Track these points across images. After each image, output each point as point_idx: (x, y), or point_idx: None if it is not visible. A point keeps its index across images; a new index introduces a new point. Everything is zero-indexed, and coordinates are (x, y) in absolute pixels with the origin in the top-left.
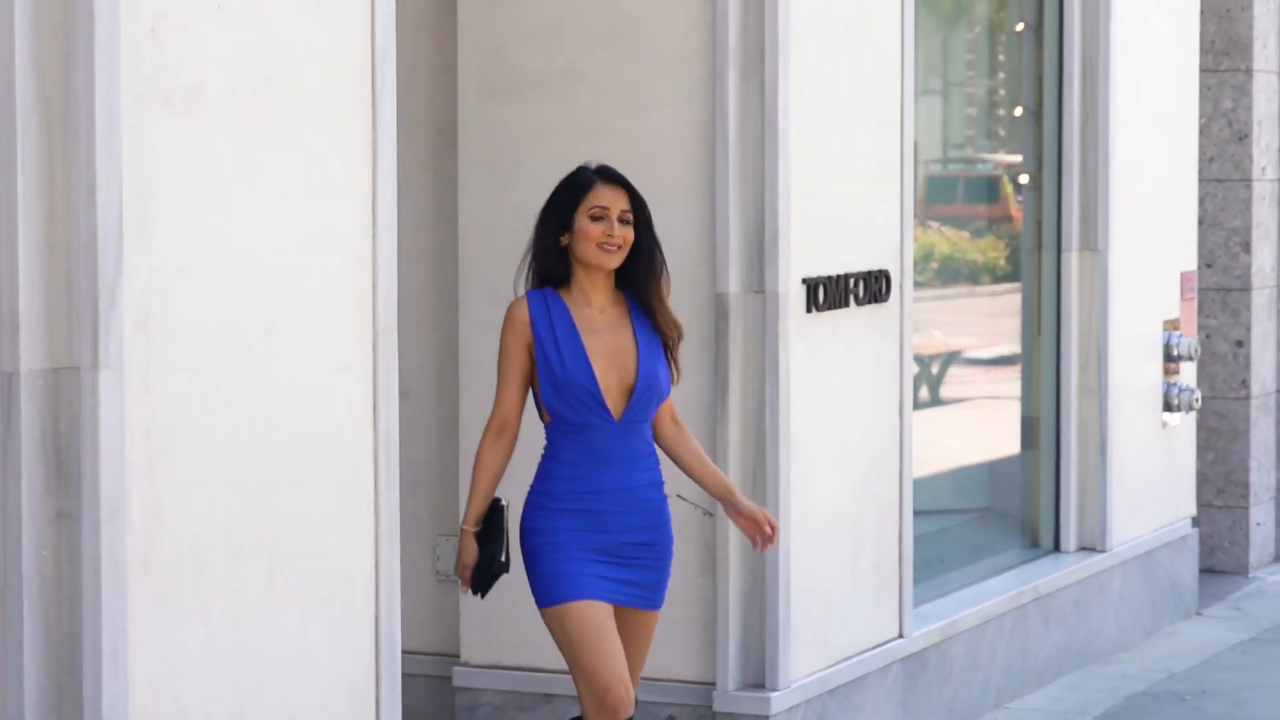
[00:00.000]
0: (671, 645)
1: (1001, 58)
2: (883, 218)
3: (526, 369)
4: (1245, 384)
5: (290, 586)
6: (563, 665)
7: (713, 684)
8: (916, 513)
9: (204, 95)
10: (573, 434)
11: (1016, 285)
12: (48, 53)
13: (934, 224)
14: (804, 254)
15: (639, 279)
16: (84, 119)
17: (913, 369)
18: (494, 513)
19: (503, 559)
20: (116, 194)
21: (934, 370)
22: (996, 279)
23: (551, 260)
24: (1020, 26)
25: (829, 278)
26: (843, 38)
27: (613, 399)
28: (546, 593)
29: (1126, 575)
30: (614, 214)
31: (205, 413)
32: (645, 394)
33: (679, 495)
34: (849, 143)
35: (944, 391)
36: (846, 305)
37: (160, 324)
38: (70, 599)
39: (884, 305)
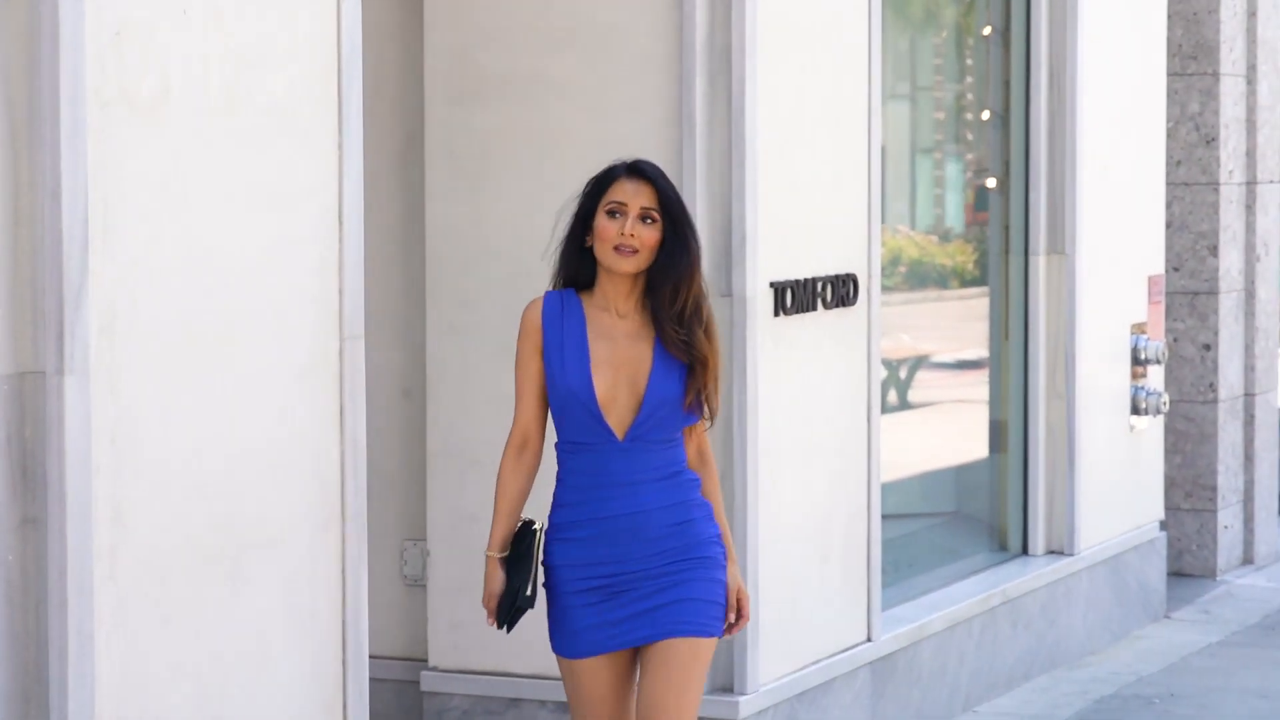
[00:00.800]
0: None
1: (969, 62)
2: (850, 221)
3: (543, 377)
4: (1213, 387)
5: (256, 591)
6: (532, 670)
7: None
8: (885, 516)
9: (169, 99)
10: (575, 453)
11: (984, 289)
12: (12, 57)
13: (902, 228)
14: (771, 257)
15: (658, 282)
16: (48, 123)
17: (881, 373)
18: (524, 537)
19: (528, 592)
20: (81, 198)
21: (902, 374)
22: (964, 283)
23: (574, 262)
24: (988, 30)
25: (797, 281)
26: (810, 42)
27: (618, 415)
28: (551, 638)
29: (1094, 579)
30: (632, 210)
31: (170, 417)
32: (655, 414)
33: None
34: (816, 146)
35: (912, 395)
36: (814, 309)
37: (126, 328)
38: (36, 604)
39: (852, 309)
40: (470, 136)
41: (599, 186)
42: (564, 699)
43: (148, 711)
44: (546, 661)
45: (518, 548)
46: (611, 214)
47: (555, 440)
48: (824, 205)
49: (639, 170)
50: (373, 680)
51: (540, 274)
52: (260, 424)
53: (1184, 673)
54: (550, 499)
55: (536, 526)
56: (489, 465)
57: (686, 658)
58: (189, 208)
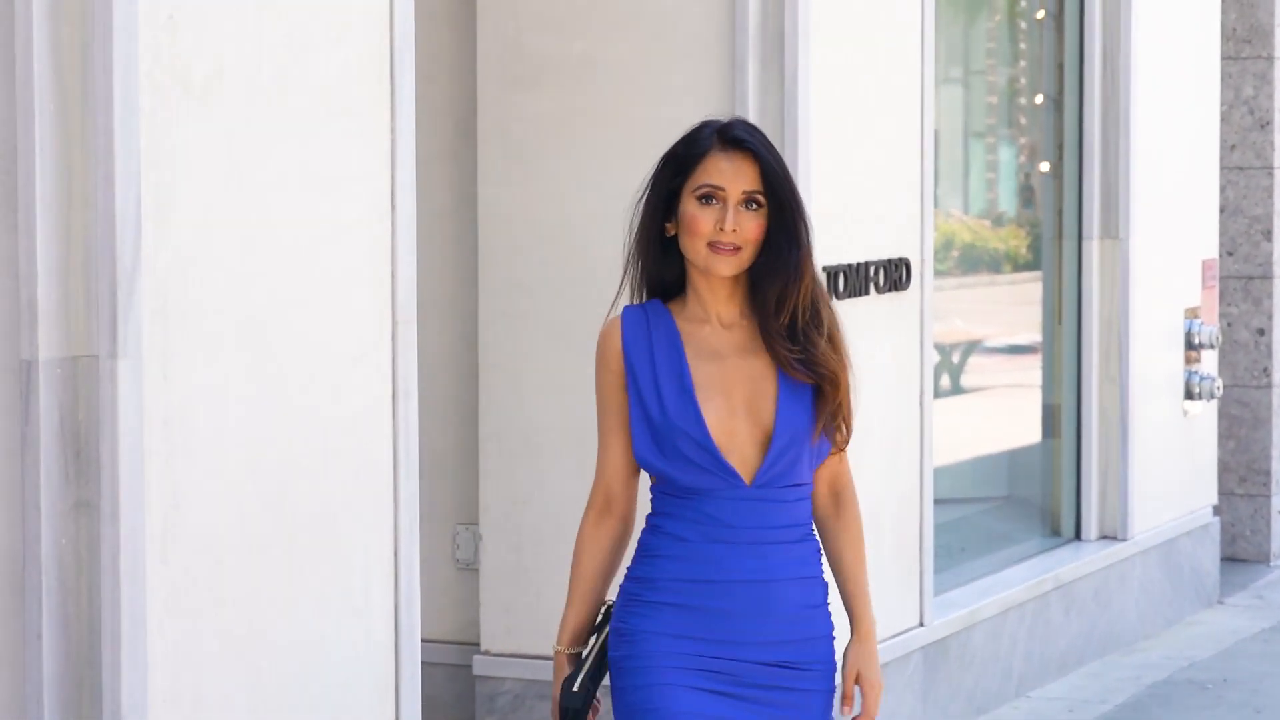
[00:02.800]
0: None
1: (1022, 46)
2: (903, 206)
3: (629, 414)
4: (1267, 372)
5: (308, 576)
6: None
7: None
8: (937, 501)
9: (222, 84)
10: (682, 499)
11: (1037, 273)
12: (65, 41)
13: (955, 212)
14: (824, 242)
15: (760, 285)
16: (102, 107)
17: (933, 357)
18: (600, 628)
19: (574, 688)
20: (135, 182)
21: (954, 359)
22: (1017, 267)
23: (655, 260)
24: (1041, 14)
25: (849, 266)
26: (863, 26)
27: (741, 454)
28: None
29: (1147, 564)
30: (732, 197)
31: (223, 402)
32: (788, 450)
33: None
34: (869, 131)
35: (964, 380)
36: (867, 293)
37: (179, 313)
38: (89, 588)
39: (904, 293)
40: (522, 121)
41: (684, 162)
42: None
43: (201, 695)
44: None
45: (588, 642)
46: (705, 199)
47: (653, 484)
48: (877, 189)
49: (737, 140)
50: (425, 664)
51: (593, 257)
52: (313, 408)
53: (1237, 658)
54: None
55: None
56: (541, 450)
57: None
58: (241, 192)
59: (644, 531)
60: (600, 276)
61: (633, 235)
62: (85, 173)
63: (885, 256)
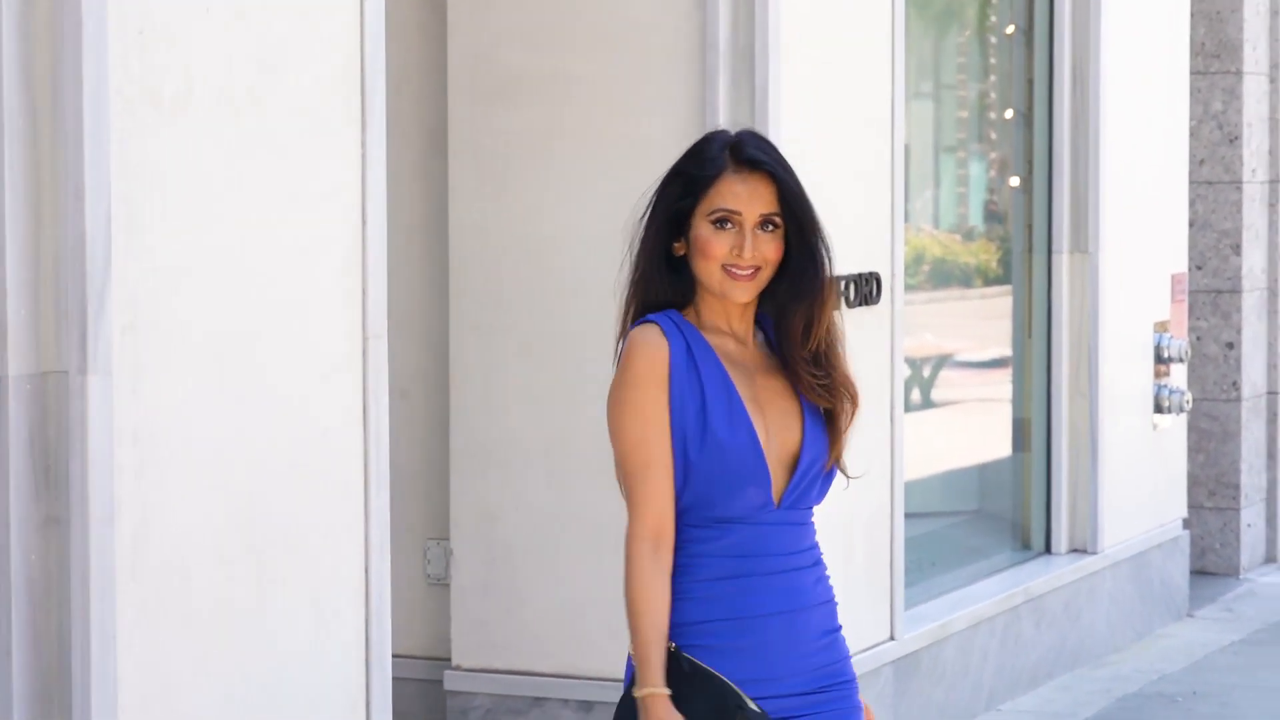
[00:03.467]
0: None
1: (992, 61)
2: (873, 220)
3: (670, 437)
4: (1236, 386)
5: (279, 591)
6: (555, 669)
7: None
8: (908, 515)
9: (192, 98)
10: (715, 532)
11: (1007, 288)
12: (35, 55)
13: (925, 226)
14: None
15: (785, 311)
16: (72, 122)
17: (904, 371)
18: (676, 664)
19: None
20: (105, 197)
21: (925, 373)
22: (988, 281)
23: (661, 280)
24: (1011, 29)
25: None
26: (834, 40)
27: (775, 475)
28: None
29: (1117, 577)
30: (748, 221)
31: (194, 417)
32: (809, 471)
33: None
34: (840, 145)
35: (935, 394)
36: (837, 308)
37: (149, 328)
38: (59, 604)
39: (875, 307)
40: (493, 135)
41: (696, 183)
42: (588, 698)
43: (171, 711)
44: (569, 661)
45: (674, 676)
46: (719, 224)
47: (683, 519)
48: (847, 204)
49: (752, 160)
50: (396, 679)
51: (564, 271)
52: (283, 423)
53: (1207, 671)
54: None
55: (673, 648)
56: (512, 464)
57: None
58: (211, 207)
59: (674, 578)
60: (571, 290)
61: (635, 254)
62: (55, 188)
63: (856, 271)
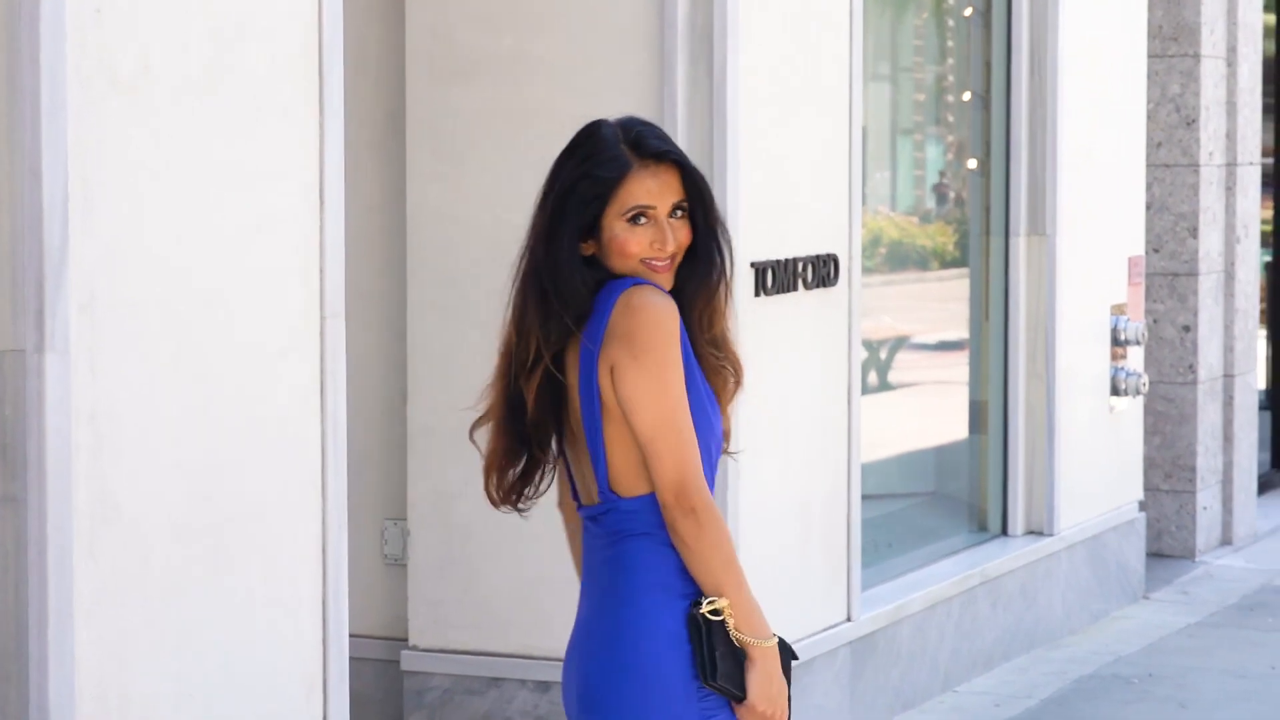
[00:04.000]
0: None
1: (950, 43)
2: (831, 202)
3: None
4: (1192, 369)
5: (236, 571)
6: (512, 649)
7: None
8: (865, 497)
9: (149, 77)
10: None
11: (965, 270)
12: None
13: (882, 209)
14: (752, 238)
15: (688, 295)
16: (28, 101)
17: (861, 353)
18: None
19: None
20: (61, 176)
21: (882, 355)
22: (945, 264)
23: (581, 278)
24: (969, 11)
25: (777, 261)
26: (792, 21)
27: None
28: None
29: (1074, 559)
30: (662, 213)
31: (151, 396)
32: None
33: None
34: (797, 126)
35: (892, 376)
36: (795, 289)
37: (106, 307)
38: (15, 583)
39: (832, 289)
40: (452, 116)
41: (606, 185)
42: (545, 678)
43: (128, 690)
44: (526, 640)
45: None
46: (635, 219)
47: (650, 493)
48: (805, 186)
49: (659, 153)
50: (353, 659)
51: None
52: (241, 402)
53: (1162, 653)
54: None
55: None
56: (469, 445)
57: None
58: (170, 186)
59: (665, 546)
60: None
61: (542, 260)
62: (10, 166)
63: (813, 253)
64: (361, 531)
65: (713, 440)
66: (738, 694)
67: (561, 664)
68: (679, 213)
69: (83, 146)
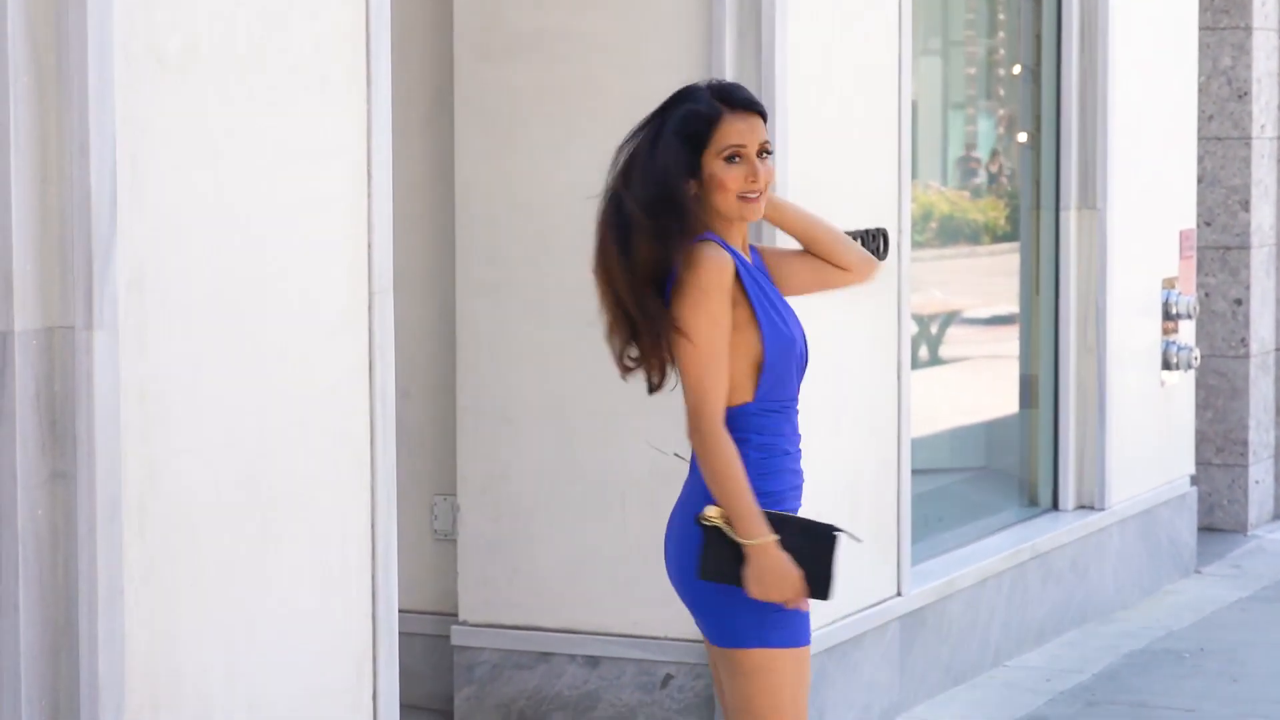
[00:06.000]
0: (669, 604)
1: (1000, 16)
2: (881, 176)
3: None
4: (1244, 342)
5: (285, 547)
6: (561, 624)
7: None
8: (915, 471)
9: (197, 55)
10: (782, 415)
11: (1015, 244)
12: (40, 12)
13: (933, 183)
14: None
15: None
16: (77, 79)
17: (911, 328)
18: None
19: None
20: (110, 154)
21: (933, 330)
22: (995, 238)
23: (679, 218)
24: None
25: None
26: None
27: None
28: (788, 632)
29: (1125, 534)
30: (752, 151)
31: (199, 373)
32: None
33: (675, 453)
34: (847, 102)
35: (943, 351)
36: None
37: (154, 284)
38: (65, 559)
39: (883, 264)
40: (499, 93)
41: (702, 130)
42: (594, 653)
43: (178, 667)
44: (576, 616)
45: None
46: (730, 159)
47: (746, 405)
48: (855, 160)
49: (741, 101)
50: (402, 635)
51: (570, 229)
52: (290, 379)
53: (1214, 627)
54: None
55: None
56: (519, 420)
57: None
58: (218, 164)
59: (751, 450)
60: (577, 247)
61: (645, 192)
62: (60, 144)
63: (863, 227)
64: (411, 507)
65: (792, 355)
66: (735, 584)
67: (609, 638)
68: (765, 154)
69: (131, 125)
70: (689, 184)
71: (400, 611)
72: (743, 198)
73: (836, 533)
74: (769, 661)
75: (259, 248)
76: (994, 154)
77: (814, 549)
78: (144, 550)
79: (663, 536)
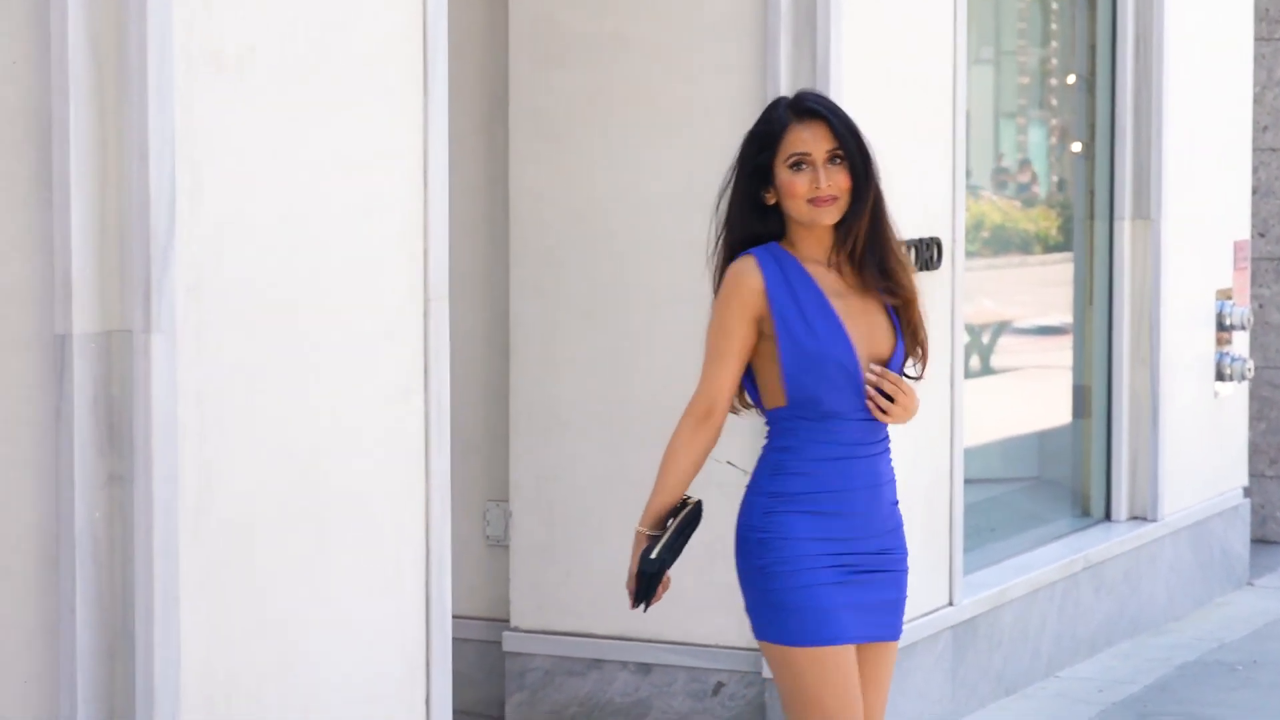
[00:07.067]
0: (722, 611)
1: (1054, 26)
2: (934, 186)
3: (750, 346)
4: None
5: (340, 552)
6: (613, 631)
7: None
8: (967, 481)
9: (255, 60)
10: (815, 424)
11: (1068, 254)
12: (100, 16)
13: (985, 193)
14: None
15: (853, 231)
16: (136, 83)
17: (964, 338)
18: (677, 513)
19: (652, 555)
20: (169, 158)
21: (985, 339)
22: (1048, 248)
23: (757, 223)
24: None
25: None
26: (895, 5)
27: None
28: (794, 630)
29: (1177, 545)
30: (818, 158)
31: (256, 377)
32: (898, 371)
33: (729, 462)
34: (901, 110)
35: (995, 360)
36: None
37: (212, 288)
38: (122, 562)
39: (935, 273)
40: (554, 98)
41: (767, 139)
42: (646, 660)
43: (233, 670)
44: (628, 623)
45: (666, 523)
46: (795, 166)
47: (778, 410)
48: (908, 169)
49: (810, 109)
50: (455, 640)
51: (624, 234)
52: (345, 384)
53: (1267, 639)
54: (753, 466)
55: (694, 500)
56: (571, 426)
57: (893, 663)
58: (275, 168)
59: (773, 452)
60: (630, 253)
61: (725, 206)
62: (120, 148)
63: (917, 236)
64: (464, 513)
65: (824, 368)
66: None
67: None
68: (837, 160)
69: (190, 129)
70: (769, 192)
71: (453, 617)
72: (812, 203)
73: (656, 560)
74: (783, 656)
75: (316, 252)
76: (1023, 164)
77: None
78: (200, 553)
79: (713, 543)
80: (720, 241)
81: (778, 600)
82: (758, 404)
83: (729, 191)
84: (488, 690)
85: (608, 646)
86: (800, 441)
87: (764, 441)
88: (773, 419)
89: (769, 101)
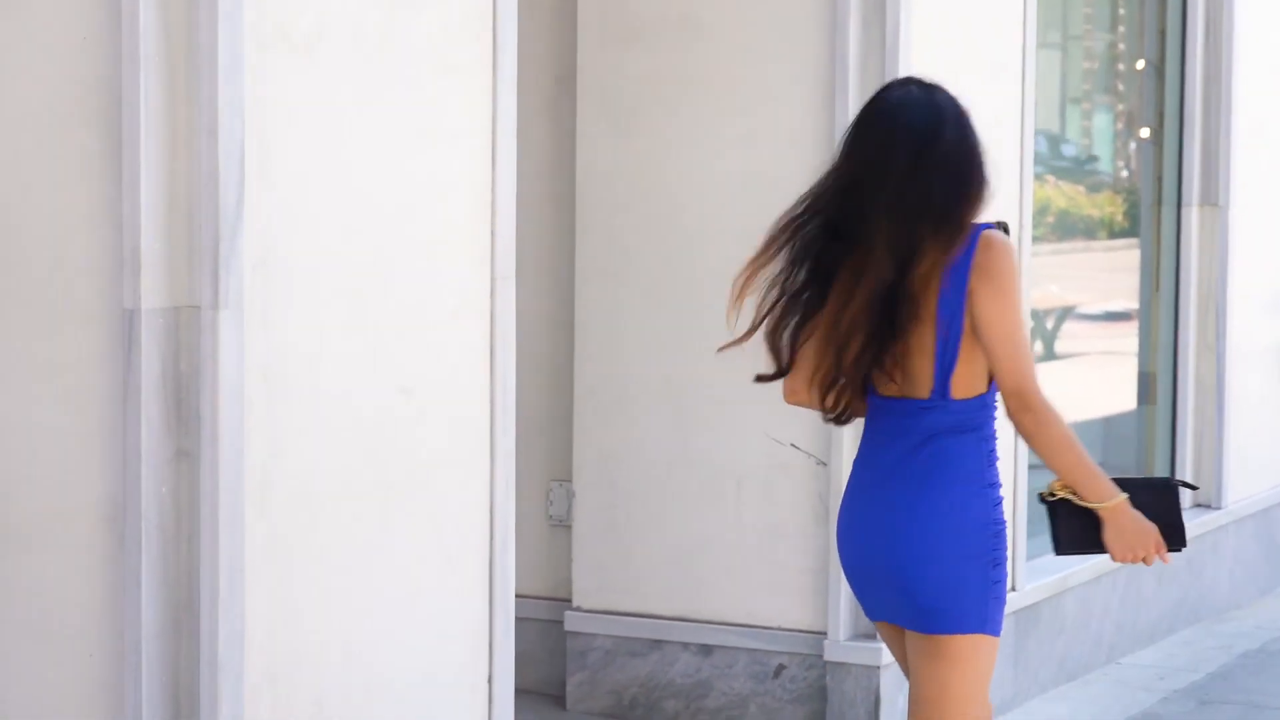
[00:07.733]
0: (783, 594)
1: (1121, 11)
2: (1003, 169)
3: None
4: None
5: (405, 529)
6: (675, 612)
7: (824, 633)
8: (1030, 467)
9: (324, 38)
10: (995, 407)
11: (1135, 240)
12: None
13: (1050, 178)
14: None
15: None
16: (206, 60)
17: (1029, 323)
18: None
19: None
20: (238, 134)
21: (1050, 325)
22: (1115, 234)
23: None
24: None
25: None
26: None
27: None
28: (999, 620)
29: (1241, 533)
30: None
31: (322, 354)
32: None
33: (793, 444)
34: (969, 93)
35: (1060, 346)
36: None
37: (279, 265)
38: (188, 536)
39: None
40: (622, 79)
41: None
42: (707, 642)
43: (296, 646)
44: (689, 604)
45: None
46: None
47: (982, 395)
48: None
49: None
50: (517, 619)
51: (690, 215)
52: (411, 362)
53: None
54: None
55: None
56: (635, 407)
57: None
58: (343, 146)
59: (984, 441)
60: (696, 234)
61: (972, 174)
62: (189, 125)
63: (984, 220)
64: (527, 493)
65: None
66: (1095, 553)
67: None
68: None
69: (259, 106)
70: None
71: (515, 596)
72: None
73: (1174, 484)
74: (978, 646)
75: (384, 230)
76: (1090, 149)
77: (1159, 503)
78: (265, 528)
79: (777, 525)
80: (964, 206)
81: (1000, 592)
82: (941, 390)
83: (977, 165)
84: (549, 670)
85: (669, 627)
86: (994, 430)
87: (947, 430)
88: (975, 406)
89: (834, 85)
